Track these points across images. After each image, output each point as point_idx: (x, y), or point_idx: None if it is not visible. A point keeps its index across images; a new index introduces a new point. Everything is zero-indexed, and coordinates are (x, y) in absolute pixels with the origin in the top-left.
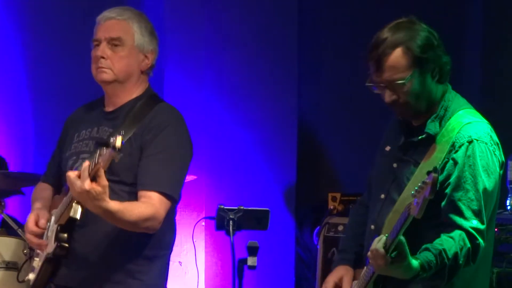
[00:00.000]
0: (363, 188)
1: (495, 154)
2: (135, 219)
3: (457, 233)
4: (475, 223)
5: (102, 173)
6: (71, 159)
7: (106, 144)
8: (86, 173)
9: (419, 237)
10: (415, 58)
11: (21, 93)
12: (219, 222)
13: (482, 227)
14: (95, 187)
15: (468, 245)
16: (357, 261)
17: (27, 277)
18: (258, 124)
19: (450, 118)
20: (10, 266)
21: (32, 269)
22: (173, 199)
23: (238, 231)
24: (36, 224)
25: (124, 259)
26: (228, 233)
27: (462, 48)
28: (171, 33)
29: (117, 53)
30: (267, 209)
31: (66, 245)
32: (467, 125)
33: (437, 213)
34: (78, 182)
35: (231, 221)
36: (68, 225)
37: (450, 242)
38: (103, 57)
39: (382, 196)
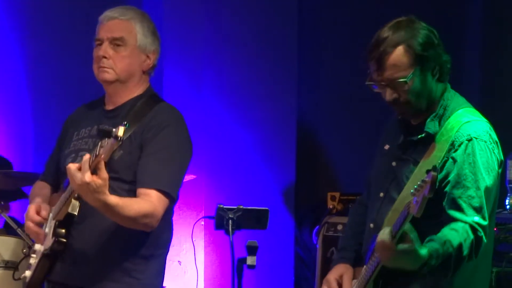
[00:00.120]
0: (362, 188)
1: (494, 153)
2: (134, 215)
3: (460, 225)
4: (477, 219)
5: (102, 165)
6: (70, 156)
7: (109, 133)
8: (87, 165)
9: (420, 237)
10: (416, 56)
11: (21, 93)
12: (219, 222)
13: (484, 223)
14: (96, 180)
15: (472, 236)
16: (357, 260)
17: (23, 275)
18: (257, 123)
19: (449, 117)
20: (9, 265)
21: (28, 267)
22: (172, 198)
23: (237, 230)
24: (37, 213)
25: (121, 257)
26: (227, 232)
27: (461, 48)
28: (170, 33)
29: (119, 53)
30: (267, 208)
31: (64, 240)
32: (466, 124)
33: (438, 212)
34: (78, 175)
35: (230, 221)
36: (66, 221)
37: (454, 234)
38: (105, 57)
39: (381, 194)
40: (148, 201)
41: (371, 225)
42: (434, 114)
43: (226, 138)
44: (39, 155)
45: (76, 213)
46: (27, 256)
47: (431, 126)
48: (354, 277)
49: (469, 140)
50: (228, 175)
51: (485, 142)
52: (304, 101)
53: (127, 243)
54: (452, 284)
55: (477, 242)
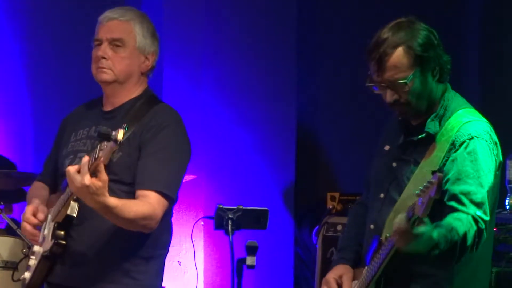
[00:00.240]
0: (362, 188)
1: (493, 153)
2: (133, 217)
3: (463, 215)
4: (479, 213)
5: (102, 168)
6: (68, 158)
7: (108, 136)
8: (86, 168)
9: None
10: (417, 57)
11: (21, 93)
12: (218, 222)
13: (486, 218)
14: (95, 182)
15: (475, 227)
16: (357, 261)
17: (22, 276)
18: (257, 123)
19: (449, 117)
20: (9, 265)
21: (27, 268)
22: (171, 199)
23: (237, 230)
24: (34, 215)
25: (120, 258)
26: (227, 232)
27: (461, 48)
28: (170, 33)
29: (118, 54)
30: (266, 208)
31: (64, 242)
32: (467, 124)
33: (438, 212)
34: (77, 177)
35: (230, 221)
36: (65, 223)
37: (459, 223)
38: (104, 57)
39: (382, 195)
40: (147, 203)
41: (372, 226)
42: (434, 114)
43: (225, 138)
44: (39, 155)
45: (75, 215)
46: (27, 256)
47: (431, 126)
48: (354, 278)
49: (470, 139)
50: (227, 175)
51: (486, 141)
52: (304, 101)
53: (127, 244)
54: (452, 284)
55: (479, 233)
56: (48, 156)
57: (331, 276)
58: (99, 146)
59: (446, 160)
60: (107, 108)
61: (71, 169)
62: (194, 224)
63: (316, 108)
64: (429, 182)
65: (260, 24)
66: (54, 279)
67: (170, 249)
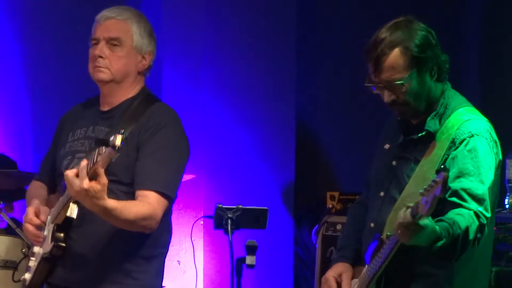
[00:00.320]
0: (362, 187)
1: (493, 151)
2: (133, 218)
3: (465, 211)
4: (480, 208)
5: (101, 171)
6: (66, 158)
7: (106, 143)
8: (85, 172)
9: None
10: (413, 58)
11: (20, 92)
12: (218, 221)
13: (487, 214)
14: (94, 186)
15: (477, 222)
16: (356, 259)
17: (23, 277)
18: (256, 123)
19: (449, 115)
20: (8, 265)
21: (28, 269)
22: (170, 199)
23: (236, 230)
24: (36, 216)
25: (121, 259)
26: (226, 232)
27: (461, 48)
28: (169, 33)
29: (116, 53)
30: (266, 208)
31: (63, 244)
32: (467, 122)
33: (440, 209)
34: (76, 181)
35: (229, 220)
36: (64, 224)
37: (460, 218)
38: (101, 56)
39: (382, 194)
40: (146, 203)
41: (372, 224)
42: (434, 113)
43: (225, 137)
44: (39, 155)
45: (74, 216)
46: (26, 256)
47: (431, 124)
48: (353, 277)
49: (470, 137)
50: (227, 175)
51: (486, 139)
52: (303, 101)
53: (127, 244)
54: (452, 283)
55: (481, 228)
56: (46, 155)
57: (331, 274)
58: (97, 150)
59: (446, 158)
60: (104, 107)
61: (70, 173)
62: (193, 224)
63: (315, 107)
64: (434, 181)
65: (260, 24)
66: (55, 280)
67: (170, 248)
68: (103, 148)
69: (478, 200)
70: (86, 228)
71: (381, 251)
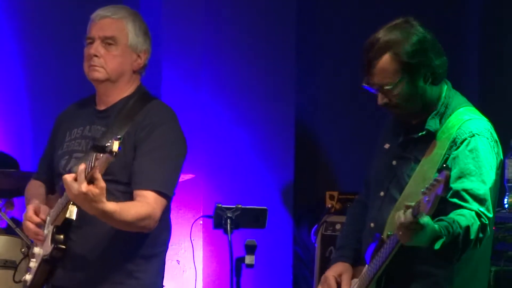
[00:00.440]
0: (361, 187)
1: (494, 151)
2: (132, 219)
3: (466, 211)
4: (482, 209)
5: (99, 175)
6: (64, 158)
7: (103, 149)
8: (83, 176)
9: None
10: (404, 64)
11: (19, 92)
12: (217, 221)
13: (489, 214)
14: (93, 189)
15: (478, 222)
16: (356, 259)
17: (23, 278)
18: (256, 122)
19: (450, 115)
20: (8, 264)
21: (28, 270)
22: (168, 197)
23: (236, 229)
24: (36, 215)
25: (121, 259)
26: (226, 231)
27: (461, 48)
28: (168, 32)
29: (111, 52)
30: (265, 207)
31: (63, 246)
32: (468, 122)
33: (442, 210)
34: (75, 185)
35: (228, 220)
36: (64, 226)
37: (461, 217)
38: (96, 55)
39: (382, 193)
40: (145, 203)
41: (372, 224)
42: (435, 112)
43: (224, 137)
44: (39, 154)
45: (74, 218)
46: (26, 256)
47: (431, 123)
48: (353, 277)
49: (471, 136)
50: (226, 174)
51: (487, 139)
52: (303, 100)
53: (127, 244)
54: (452, 283)
55: (482, 228)
56: (43, 154)
57: (331, 274)
58: (95, 155)
59: (447, 158)
60: (101, 107)
61: (68, 177)
62: (193, 223)
63: (315, 107)
64: (436, 179)
65: (260, 24)
66: (56, 282)
67: (169, 248)
68: (101, 154)
69: (480, 200)
70: (86, 229)
71: (381, 250)
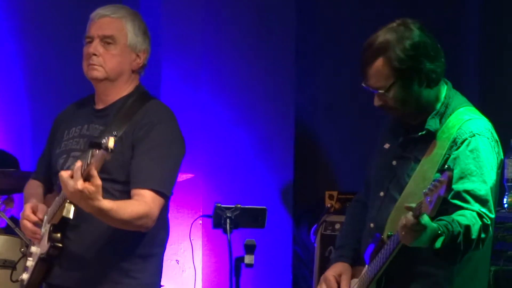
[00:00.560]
0: (361, 187)
1: (495, 151)
2: (129, 218)
3: (467, 212)
4: (483, 210)
5: (95, 173)
6: (62, 157)
7: (99, 145)
8: (79, 173)
9: None
10: (395, 69)
11: (19, 92)
12: (216, 220)
13: (491, 215)
14: (88, 187)
15: (479, 222)
16: (355, 259)
17: (20, 277)
18: (255, 122)
19: (450, 115)
20: (7, 264)
21: (25, 269)
22: (166, 197)
23: (235, 229)
24: (34, 213)
25: (118, 258)
26: (225, 231)
27: (461, 48)
28: (168, 32)
29: (110, 51)
30: (264, 207)
31: (60, 245)
32: (468, 121)
33: (443, 211)
34: (71, 182)
35: (228, 219)
36: (61, 224)
37: (462, 217)
38: (95, 54)
39: (381, 194)
40: (142, 202)
41: (372, 224)
42: (435, 112)
43: (224, 137)
44: (38, 154)
45: (71, 216)
46: (25, 256)
47: (432, 123)
48: (352, 277)
49: (472, 136)
50: (226, 174)
51: (488, 138)
52: (302, 100)
53: (124, 243)
54: (452, 283)
55: (484, 228)
56: (42, 154)
57: (330, 273)
58: (91, 152)
59: (447, 158)
60: (99, 106)
61: (64, 174)
62: (192, 223)
63: (314, 107)
64: (438, 180)
65: (260, 24)
66: (53, 280)
67: (168, 248)
68: (97, 150)
69: (481, 201)
70: (83, 227)
71: (382, 251)
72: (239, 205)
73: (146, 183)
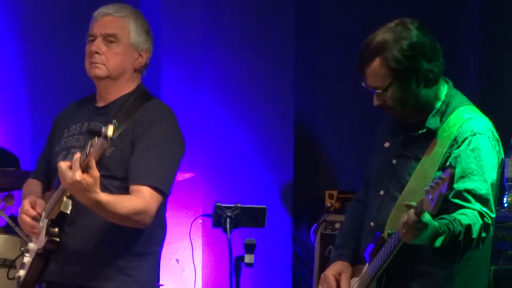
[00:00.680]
0: (360, 186)
1: (495, 150)
2: (126, 212)
3: (468, 211)
4: (484, 209)
5: (93, 164)
6: (61, 154)
7: (98, 133)
8: (77, 164)
9: None
10: (392, 70)
11: (19, 92)
12: (216, 220)
13: (492, 214)
14: (86, 178)
15: (480, 221)
16: (355, 258)
17: (17, 274)
18: (255, 122)
19: (451, 113)
20: (6, 263)
21: (22, 266)
22: (164, 194)
23: (235, 228)
24: (32, 208)
25: (115, 255)
26: (225, 230)
27: (461, 48)
28: (168, 32)
29: (112, 49)
30: (264, 206)
31: (57, 239)
32: (469, 120)
33: (444, 210)
34: (69, 173)
35: (228, 219)
36: (58, 219)
37: (463, 216)
38: (97, 53)
39: (381, 192)
40: (140, 198)
41: (372, 223)
42: (435, 110)
43: (224, 136)
44: (38, 153)
45: (68, 211)
46: (21, 254)
47: (432, 121)
48: (352, 275)
49: (473, 135)
50: (226, 173)
51: (489, 138)
52: (302, 100)
53: (121, 241)
54: (452, 283)
55: (485, 228)
56: (42, 153)
57: (330, 272)
58: (90, 142)
59: (448, 156)
60: (100, 104)
61: (63, 165)
62: (192, 222)
63: (314, 106)
64: (440, 178)
65: (260, 24)
66: (49, 276)
67: (168, 247)
68: (95, 139)
69: (482, 200)
70: (80, 222)
71: (382, 249)
72: (239, 205)
73: (145, 180)
